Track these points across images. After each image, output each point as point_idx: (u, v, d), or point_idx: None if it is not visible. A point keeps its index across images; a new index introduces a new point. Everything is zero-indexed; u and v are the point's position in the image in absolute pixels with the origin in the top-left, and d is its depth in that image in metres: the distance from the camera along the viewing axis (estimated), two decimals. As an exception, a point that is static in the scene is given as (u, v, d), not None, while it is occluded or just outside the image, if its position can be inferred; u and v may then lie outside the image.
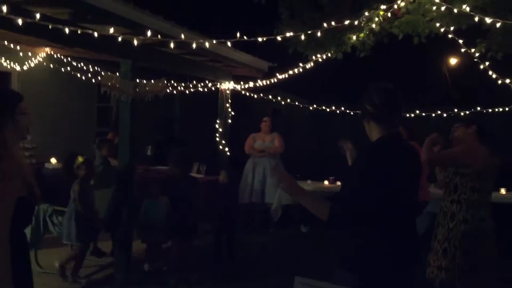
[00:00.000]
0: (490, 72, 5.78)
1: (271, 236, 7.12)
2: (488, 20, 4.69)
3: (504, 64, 5.87)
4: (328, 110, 7.83)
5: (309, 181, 7.23)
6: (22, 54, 7.32)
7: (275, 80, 7.24)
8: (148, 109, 7.89)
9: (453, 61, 9.54)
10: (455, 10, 5.11)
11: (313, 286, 2.00)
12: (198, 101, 8.85)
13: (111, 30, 4.22)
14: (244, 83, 7.75)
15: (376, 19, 5.36)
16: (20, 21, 3.62)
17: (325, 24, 5.02)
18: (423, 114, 7.46)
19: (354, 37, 5.96)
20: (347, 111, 7.62)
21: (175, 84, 7.69)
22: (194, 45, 4.70)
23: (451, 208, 3.63)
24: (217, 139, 7.79)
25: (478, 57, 5.69)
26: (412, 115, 7.38)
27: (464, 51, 5.72)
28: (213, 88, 7.86)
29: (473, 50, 5.70)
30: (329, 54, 6.35)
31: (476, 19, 4.88)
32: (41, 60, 7.53)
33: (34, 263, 4.76)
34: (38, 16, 3.72)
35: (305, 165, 9.28)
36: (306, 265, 5.57)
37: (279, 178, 2.30)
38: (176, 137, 10.96)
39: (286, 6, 6.52)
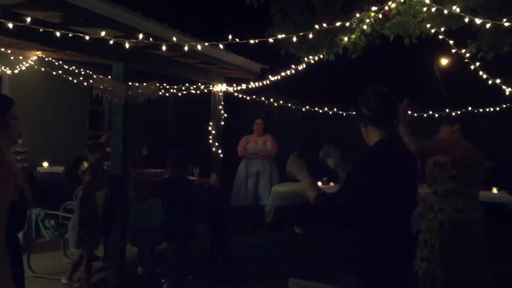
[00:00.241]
0: (481, 73, 5.83)
1: (265, 238, 7.12)
2: (478, 21, 4.73)
3: (494, 64, 5.92)
4: (320, 111, 7.86)
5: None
6: (13, 58, 7.28)
7: (268, 82, 7.25)
8: (140, 112, 7.89)
9: (444, 61, 9.61)
10: (445, 11, 5.14)
11: (307, 287, 2.01)
12: (191, 103, 8.85)
13: (103, 33, 4.22)
14: (237, 85, 7.75)
15: (367, 20, 5.39)
16: (10, 25, 3.61)
17: (316, 26, 5.04)
18: (415, 114, 7.50)
19: (346, 39, 5.98)
20: (340, 112, 7.64)
21: (168, 87, 7.68)
22: (186, 48, 4.71)
23: (431, 199, 3.66)
24: (210, 141, 7.79)
25: (469, 58, 5.74)
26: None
27: (455, 51, 5.76)
28: (205, 90, 7.86)
29: (463, 50, 5.74)
30: (321, 56, 6.37)
31: (466, 20, 4.92)
32: (32, 63, 7.49)
33: (27, 267, 4.72)
34: (29, 19, 3.71)
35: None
36: (300, 267, 5.58)
37: (291, 165, 2.40)
38: (169, 140, 10.94)
39: (277, 8, 6.52)
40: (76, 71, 7.57)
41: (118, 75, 5.12)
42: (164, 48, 4.59)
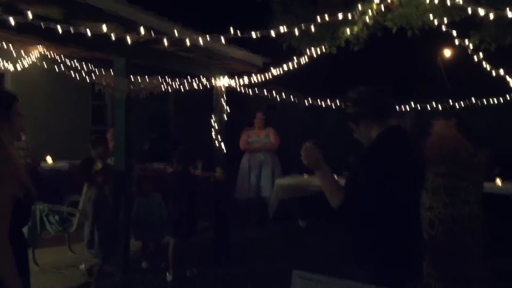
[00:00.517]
0: (484, 64, 5.80)
1: (269, 231, 7.14)
2: (481, 12, 4.70)
3: (498, 55, 5.88)
4: (323, 104, 7.84)
5: (305, 175, 7.24)
6: (15, 54, 7.27)
7: (270, 75, 7.23)
8: (142, 107, 7.89)
9: (447, 53, 9.57)
10: (448, 2, 5.11)
11: (312, 280, 2.01)
12: (193, 97, 8.84)
13: (104, 28, 4.21)
14: (239, 79, 7.74)
15: (370, 12, 5.36)
16: (12, 21, 3.61)
17: (318, 18, 5.02)
18: (418, 106, 7.48)
19: (348, 31, 5.96)
20: (342, 105, 7.61)
21: (170, 81, 7.67)
22: (188, 42, 4.70)
23: (422, 197, 3.59)
24: (213, 135, 7.79)
25: (472, 49, 5.71)
26: (408, 107, 7.40)
27: (458, 43, 5.73)
28: (207, 85, 7.84)
29: (466, 42, 5.71)
30: (323, 49, 6.35)
31: (469, 10, 4.89)
32: (34, 59, 7.48)
33: (32, 262, 4.75)
34: (30, 15, 3.70)
35: (300, 160, 9.28)
36: (304, 260, 5.60)
37: (307, 154, 2.34)
38: (171, 134, 10.94)
39: (279, 1, 6.50)
40: (78, 66, 7.57)
41: (120, 70, 5.12)
42: (165, 42, 4.58)
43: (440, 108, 7.44)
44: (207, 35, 4.75)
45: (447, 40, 6.22)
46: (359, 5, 5.36)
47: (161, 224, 5.31)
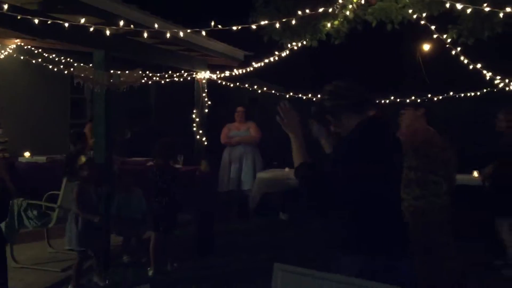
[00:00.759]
0: (462, 58, 5.89)
1: (250, 224, 7.16)
2: (459, 6, 4.77)
3: (475, 49, 5.98)
4: (304, 98, 7.87)
5: (286, 169, 7.28)
6: (-9, 46, 7.13)
7: (251, 68, 7.23)
8: (123, 100, 7.81)
9: (426, 47, 9.68)
10: (427, -3, 5.18)
11: (293, 273, 2.02)
12: (174, 91, 8.79)
13: (83, 20, 4.15)
14: (220, 72, 7.72)
15: (350, 6, 5.40)
16: (-13, 12, 3.53)
17: (299, 12, 5.03)
18: (398, 99, 7.56)
19: (329, 25, 5.99)
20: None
21: (150, 74, 7.61)
22: (168, 35, 4.66)
23: None
24: (194, 129, 7.76)
25: (450, 43, 5.79)
26: (387, 101, 7.48)
27: (436, 37, 5.81)
28: (189, 78, 7.80)
29: (445, 36, 5.79)
30: (304, 42, 6.37)
31: (448, 5, 4.96)
32: (11, 51, 7.34)
33: (10, 258, 4.68)
34: (6, 6, 3.63)
35: (282, 153, 9.32)
36: (285, 252, 5.63)
37: (284, 113, 2.41)
38: (152, 128, 10.86)
39: (260, -6, 6.49)
40: (57, 59, 7.45)
41: (99, 63, 5.05)
42: (145, 35, 4.54)
43: (419, 101, 7.54)
44: (188, 28, 4.73)
45: (426, 34, 6.30)
46: (340, -1, 5.40)
47: (142, 218, 5.28)
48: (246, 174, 7.44)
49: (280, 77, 9.73)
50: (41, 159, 6.99)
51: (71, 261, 5.13)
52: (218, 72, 7.75)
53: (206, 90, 7.83)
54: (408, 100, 7.62)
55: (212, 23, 4.47)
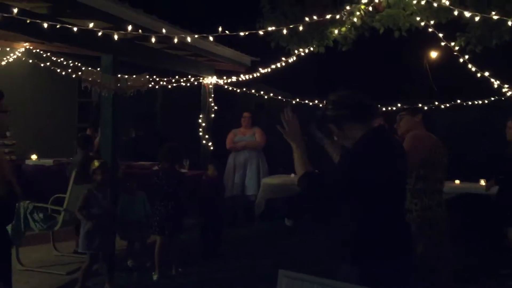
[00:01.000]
0: (470, 66, 5.87)
1: (255, 230, 7.14)
2: (467, 14, 4.76)
3: (483, 57, 5.96)
4: (311, 104, 7.86)
5: (292, 175, 7.26)
6: (1, 50, 7.18)
7: (258, 74, 7.24)
8: (129, 104, 7.83)
9: (433, 54, 9.67)
10: (435, 4, 5.17)
11: (298, 279, 2.02)
12: (181, 96, 8.81)
13: (91, 25, 4.17)
14: (227, 78, 7.73)
15: (358, 13, 5.40)
16: (-3, 16, 3.56)
17: (307, 18, 5.04)
18: (404, 107, 7.53)
19: (336, 31, 5.99)
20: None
21: (157, 79, 7.64)
22: (175, 40, 4.68)
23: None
24: (200, 133, 7.77)
25: (458, 51, 5.77)
26: (394, 108, 7.45)
27: (444, 44, 5.79)
28: (195, 83, 7.83)
29: (452, 43, 5.78)
30: (311, 48, 6.37)
31: (456, 13, 4.95)
32: (19, 55, 7.40)
33: (15, 261, 4.70)
34: (15, 10, 3.66)
35: (288, 159, 9.30)
36: (290, 258, 5.61)
37: (286, 122, 2.43)
38: (158, 132, 10.88)
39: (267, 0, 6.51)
40: (65, 63, 7.50)
41: (107, 67, 5.08)
42: (153, 40, 4.56)
43: (426, 108, 7.51)
44: (195, 34, 4.75)
45: (434, 41, 6.28)
46: (347, 6, 5.40)
47: (146, 222, 5.28)
48: (250, 180, 7.44)
49: (287, 83, 9.74)
50: (48, 162, 7.01)
51: (76, 264, 5.15)
52: (225, 77, 7.77)
53: (212, 95, 7.85)
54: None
55: (220, 29, 4.48)
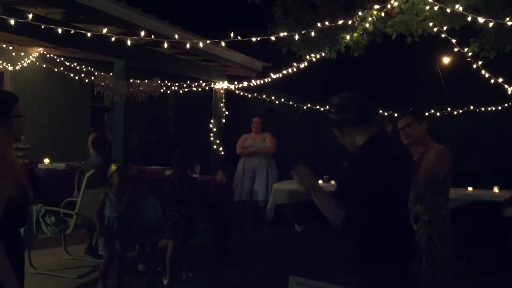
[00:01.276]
0: (483, 71, 5.82)
1: (265, 236, 7.12)
2: (480, 20, 4.72)
3: (497, 63, 5.91)
4: (322, 109, 7.85)
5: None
6: (15, 54, 7.28)
7: (269, 79, 7.25)
8: (141, 109, 7.89)
9: (446, 60, 9.62)
10: (448, 10, 5.14)
11: (308, 286, 2.01)
12: (192, 100, 8.85)
13: (105, 30, 4.21)
14: (238, 83, 7.76)
15: (370, 18, 5.38)
16: (12, 21, 3.61)
17: (318, 24, 5.04)
18: (410, 109, 7.48)
19: (348, 37, 5.98)
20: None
21: (169, 84, 7.69)
22: (188, 45, 4.70)
23: (413, 208, 3.34)
24: (211, 138, 7.79)
25: (471, 57, 5.73)
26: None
27: (457, 50, 5.75)
28: (207, 88, 7.86)
29: (466, 49, 5.73)
30: (323, 54, 6.36)
31: (469, 18, 4.91)
32: (34, 60, 7.49)
33: (28, 264, 4.73)
34: (30, 16, 3.71)
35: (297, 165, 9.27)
36: (300, 265, 5.58)
37: (299, 180, 2.30)
38: (169, 137, 10.94)
39: (279, 5, 6.52)
40: (78, 67, 7.58)
41: (119, 72, 5.13)
42: (165, 45, 4.59)
43: (438, 114, 7.46)
44: (207, 39, 4.77)
45: (447, 47, 6.24)
46: (359, 12, 5.38)
47: (157, 227, 5.29)
48: (259, 185, 7.43)
49: (298, 88, 9.75)
50: (60, 166, 7.08)
51: (87, 268, 5.18)
52: (236, 83, 7.79)
53: (223, 100, 7.87)
54: (427, 114, 7.56)
55: (232, 34, 4.50)
